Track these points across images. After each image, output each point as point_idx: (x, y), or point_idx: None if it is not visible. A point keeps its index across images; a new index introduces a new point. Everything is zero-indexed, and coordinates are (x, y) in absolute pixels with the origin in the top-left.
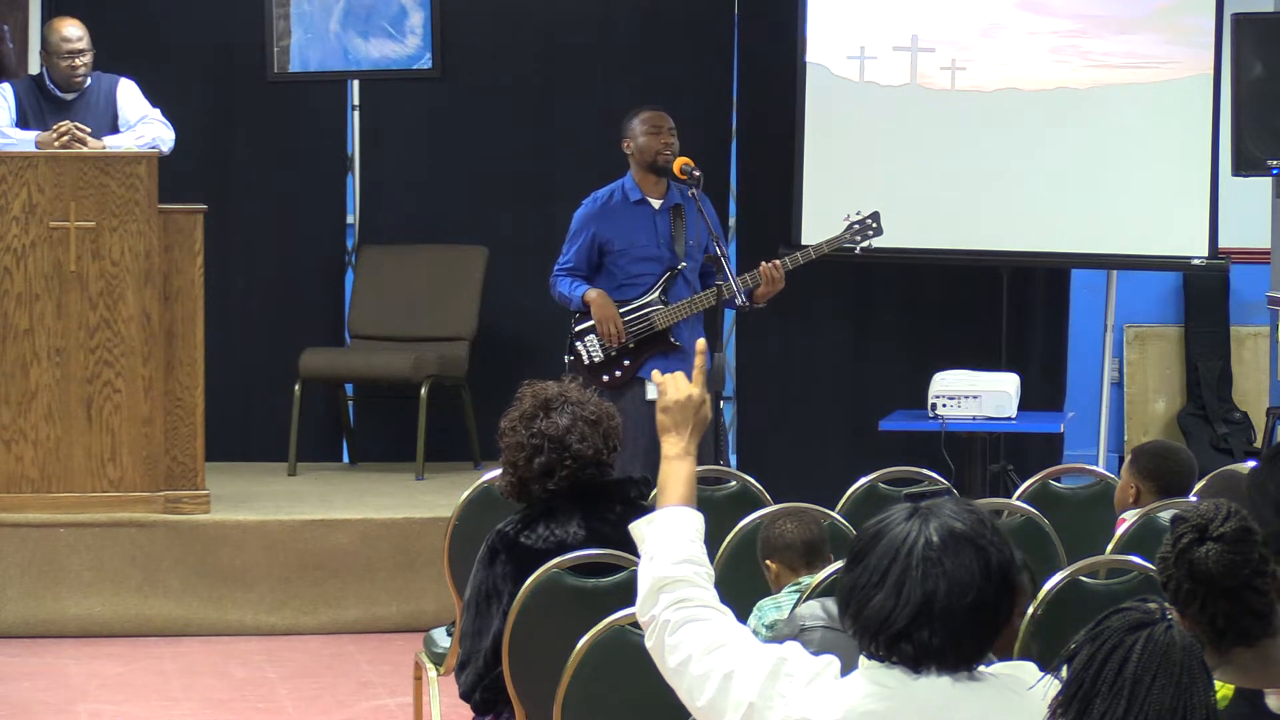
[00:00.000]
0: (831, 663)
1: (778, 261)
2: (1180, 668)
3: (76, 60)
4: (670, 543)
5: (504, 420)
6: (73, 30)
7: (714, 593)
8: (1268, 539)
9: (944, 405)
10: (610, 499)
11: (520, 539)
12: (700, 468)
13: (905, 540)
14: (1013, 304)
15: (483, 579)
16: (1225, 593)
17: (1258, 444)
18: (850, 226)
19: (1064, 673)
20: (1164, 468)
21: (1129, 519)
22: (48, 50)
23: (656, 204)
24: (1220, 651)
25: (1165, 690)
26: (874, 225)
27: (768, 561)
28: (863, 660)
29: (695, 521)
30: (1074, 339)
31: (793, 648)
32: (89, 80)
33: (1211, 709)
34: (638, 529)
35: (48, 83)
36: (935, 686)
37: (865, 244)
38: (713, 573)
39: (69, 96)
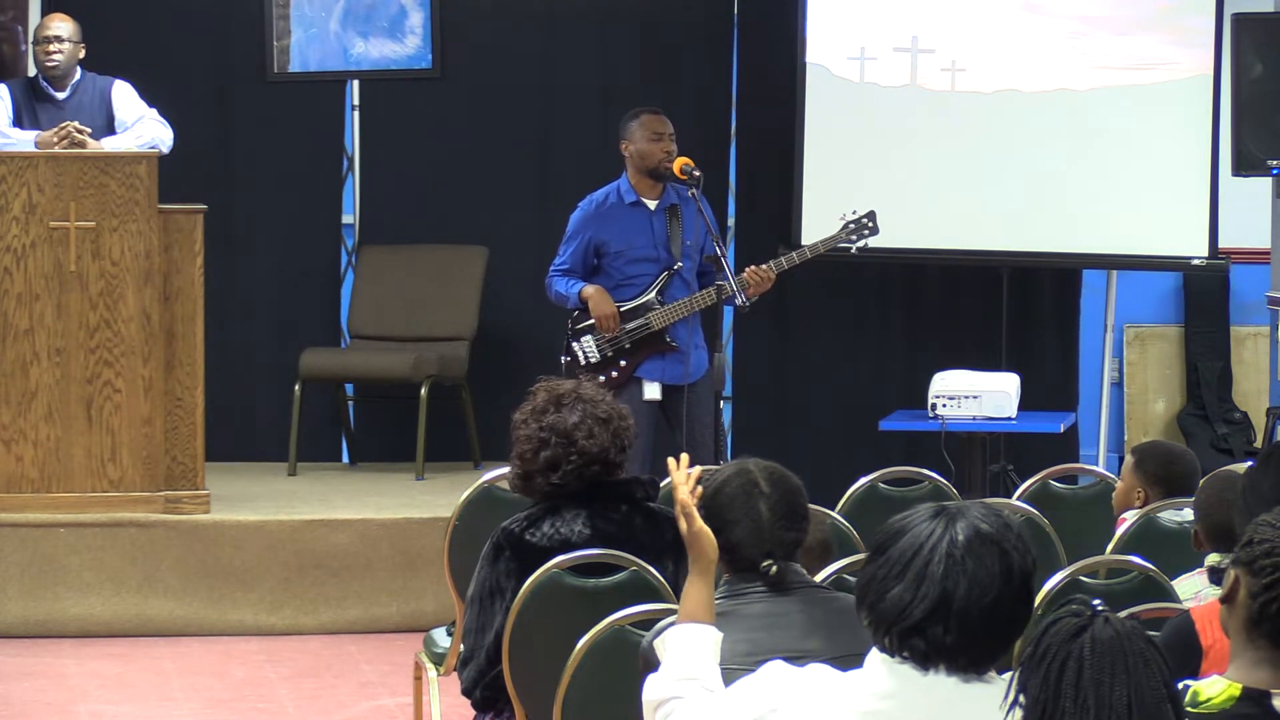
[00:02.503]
0: (819, 669)
1: (758, 266)
2: (1131, 656)
3: (50, 46)
4: (670, 665)
5: (517, 413)
6: (55, 20)
7: (710, 695)
8: None
9: (944, 405)
10: (616, 499)
11: (525, 536)
12: (700, 468)
13: (930, 537)
14: (1013, 304)
15: (486, 575)
16: None
17: (1258, 444)
18: (846, 226)
19: (1022, 699)
20: (1172, 472)
21: (1129, 519)
22: (33, 40)
23: (652, 205)
24: (1247, 637)
25: (1125, 685)
26: (869, 224)
27: None
28: (874, 653)
29: (705, 638)
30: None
31: (776, 669)
32: (79, 76)
33: (1169, 681)
34: (659, 644)
35: (41, 81)
36: (942, 685)
37: (861, 243)
38: (716, 685)
39: (61, 95)
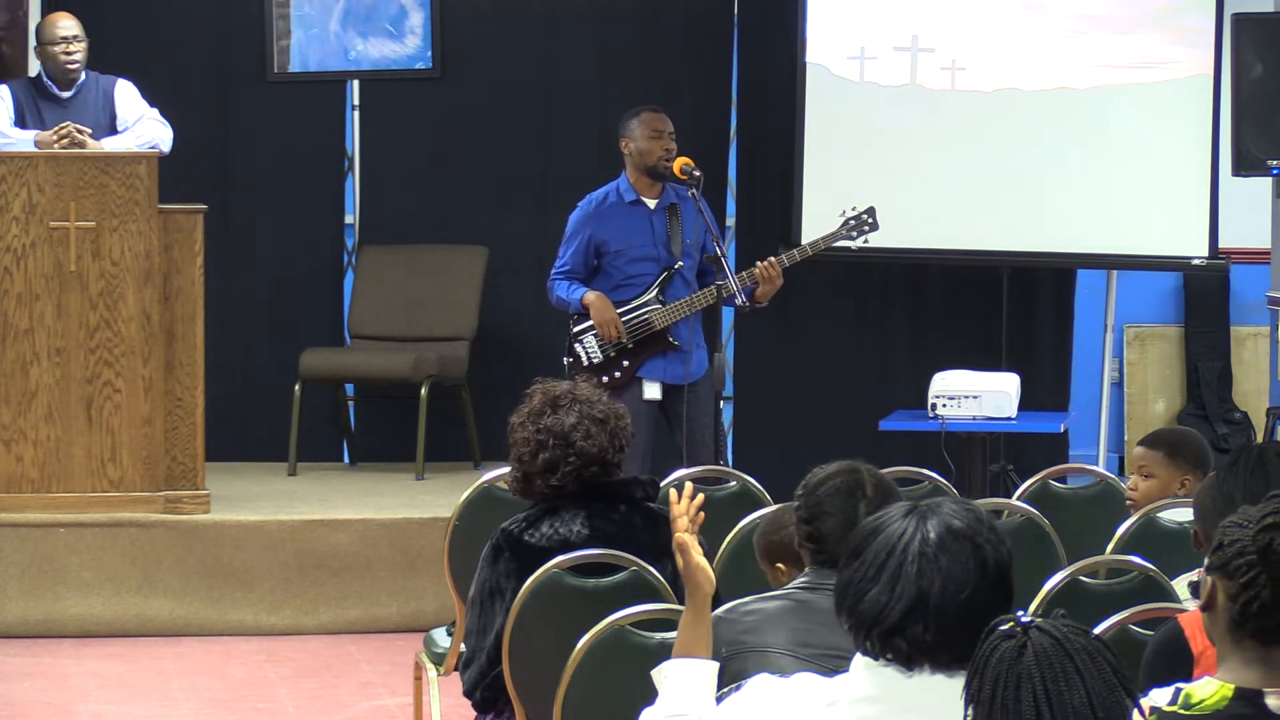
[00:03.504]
0: (805, 678)
1: (772, 259)
2: (1077, 655)
3: (71, 46)
4: (663, 700)
5: (514, 416)
6: (65, 21)
7: None
8: None
9: (944, 405)
10: (615, 499)
11: (525, 537)
12: (700, 468)
13: (902, 536)
14: (1013, 304)
15: (486, 576)
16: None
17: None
18: (846, 222)
19: None
20: (1202, 452)
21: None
22: (42, 42)
23: (652, 204)
24: (1233, 640)
25: (1081, 686)
26: (870, 220)
27: (778, 564)
28: (857, 657)
29: (700, 672)
30: (1074, 339)
31: (761, 684)
32: (84, 76)
33: (1116, 666)
34: (656, 676)
35: (45, 81)
36: (928, 685)
37: (861, 239)
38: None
39: (66, 95)
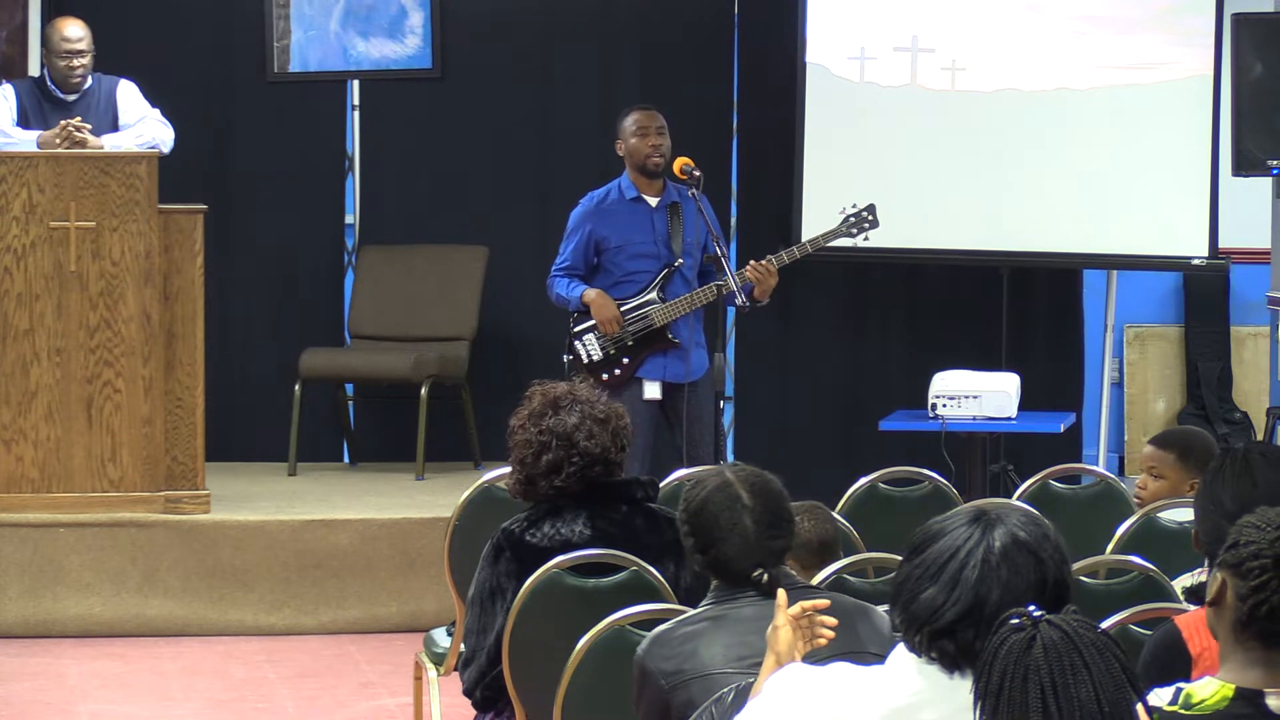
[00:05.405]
0: (842, 667)
1: (754, 263)
2: (1085, 649)
3: (75, 60)
4: None
5: (513, 418)
6: (74, 30)
7: None
8: None
9: (944, 405)
10: (616, 499)
11: (526, 537)
12: (700, 468)
13: (967, 541)
14: (1013, 304)
15: (487, 576)
16: None
17: None
18: (846, 220)
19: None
20: (1212, 453)
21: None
22: (48, 49)
23: (653, 202)
24: (1237, 639)
25: (1088, 680)
26: (869, 218)
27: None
28: (901, 651)
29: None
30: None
31: (796, 672)
32: (89, 81)
33: (1125, 662)
34: None
35: (49, 83)
36: (963, 689)
37: (861, 237)
38: None
39: (70, 97)
